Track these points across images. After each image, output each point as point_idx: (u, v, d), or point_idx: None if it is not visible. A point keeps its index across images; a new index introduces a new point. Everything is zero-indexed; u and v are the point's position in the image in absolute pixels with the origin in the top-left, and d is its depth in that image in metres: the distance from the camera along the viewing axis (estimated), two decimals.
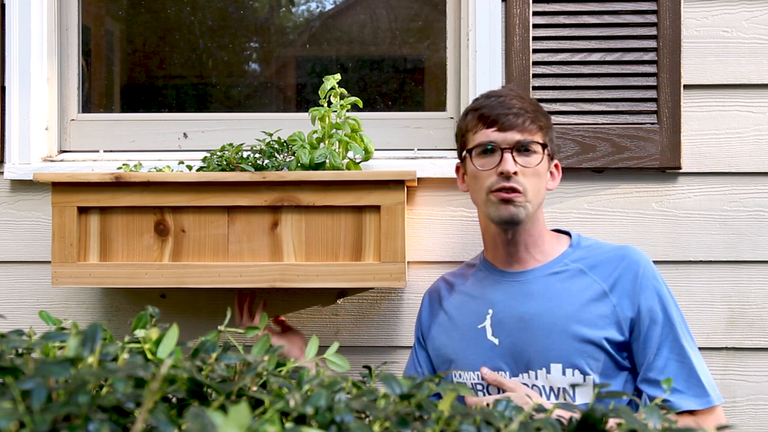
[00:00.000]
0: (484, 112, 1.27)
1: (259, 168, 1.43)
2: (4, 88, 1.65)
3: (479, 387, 1.28)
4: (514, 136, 1.25)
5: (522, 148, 1.25)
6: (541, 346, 1.23)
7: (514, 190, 1.24)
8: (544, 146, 1.28)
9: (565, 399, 1.21)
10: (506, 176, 1.24)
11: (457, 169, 1.40)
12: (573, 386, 1.21)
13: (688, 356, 1.21)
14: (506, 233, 1.30)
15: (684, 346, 1.22)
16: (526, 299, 1.28)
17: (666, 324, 1.22)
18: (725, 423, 1.14)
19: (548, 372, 1.22)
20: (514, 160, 1.24)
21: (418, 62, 2.29)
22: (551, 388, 1.22)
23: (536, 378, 1.23)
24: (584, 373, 1.21)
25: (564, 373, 1.22)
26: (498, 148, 1.26)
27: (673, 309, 1.25)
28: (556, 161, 1.36)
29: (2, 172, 1.64)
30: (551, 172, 1.34)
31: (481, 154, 1.28)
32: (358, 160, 1.50)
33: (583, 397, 1.21)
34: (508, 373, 1.25)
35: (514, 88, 1.38)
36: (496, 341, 1.28)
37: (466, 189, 1.36)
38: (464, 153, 1.32)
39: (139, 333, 0.73)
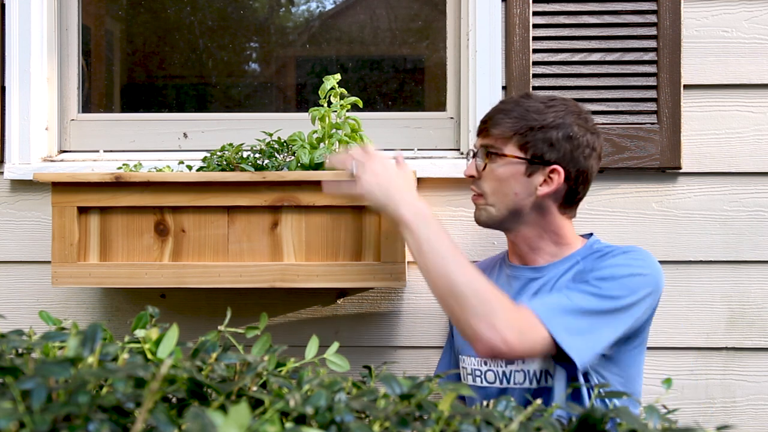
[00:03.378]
0: (481, 118, 1.35)
1: (259, 168, 1.43)
2: (4, 88, 1.65)
3: (477, 373, 1.33)
4: (479, 141, 1.33)
5: (487, 153, 1.29)
6: None
7: (475, 192, 1.32)
8: (496, 153, 1.27)
9: (546, 381, 1.25)
10: (472, 179, 1.32)
11: None
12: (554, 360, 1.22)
13: (572, 307, 1.17)
14: (507, 233, 1.35)
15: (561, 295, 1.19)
16: (528, 293, 1.30)
17: (582, 285, 1.20)
18: (538, 333, 1.12)
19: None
20: (478, 164, 1.31)
21: (418, 62, 2.29)
22: (534, 372, 1.26)
23: (523, 363, 1.27)
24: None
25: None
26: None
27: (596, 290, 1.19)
28: (554, 166, 1.26)
29: (2, 172, 1.64)
30: (548, 178, 1.26)
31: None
32: None
33: (559, 381, 1.24)
34: (503, 360, 1.29)
35: (527, 94, 1.36)
36: None
37: None
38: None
39: (139, 333, 0.74)
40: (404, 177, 1.26)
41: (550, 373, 1.25)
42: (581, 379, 1.22)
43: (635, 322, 1.21)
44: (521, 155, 1.26)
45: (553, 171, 1.26)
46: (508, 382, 1.28)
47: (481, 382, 1.32)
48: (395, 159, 1.30)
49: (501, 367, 1.30)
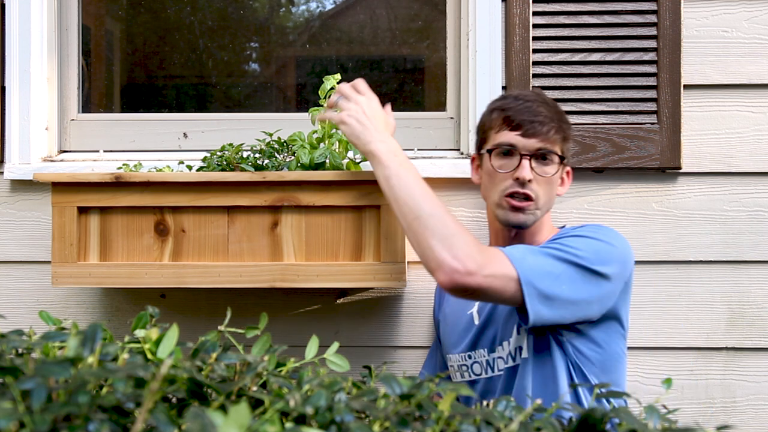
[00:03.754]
0: (510, 115, 1.29)
1: (259, 168, 1.43)
2: (4, 88, 1.65)
3: (464, 368, 1.36)
4: (535, 144, 1.28)
5: (541, 157, 1.29)
6: (504, 320, 1.30)
7: (527, 197, 1.28)
8: (561, 157, 1.31)
9: (519, 356, 1.27)
10: (522, 182, 1.27)
11: (473, 159, 1.43)
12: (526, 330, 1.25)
13: (536, 250, 1.20)
14: (509, 231, 1.35)
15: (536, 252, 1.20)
16: None
17: (549, 243, 1.23)
18: (502, 265, 1.15)
19: (509, 340, 1.29)
20: (531, 167, 1.27)
21: (418, 62, 2.29)
22: (509, 352, 1.29)
23: (503, 349, 1.30)
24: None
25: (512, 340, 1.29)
26: (518, 153, 1.28)
27: (567, 248, 1.20)
28: (568, 168, 1.39)
29: (2, 172, 1.64)
30: (562, 178, 1.37)
31: (500, 155, 1.31)
32: (358, 160, 1.49)
33: (530, 348, 1.27)
34: (486, 349, 1.32)
35: (541, 93, 1.41)
36: (477, 323, 1.36)
37: (479, 182, 1.40)
38: (484, 150, 1.35)
39: (139, 333, 0.74)
40: (384, 118, 1.30)
41: (522, 349, 1.27)
42: (554, 346, 1.24)
43: (604, 293, 1.21)
44: (564, 160, 1.32)
45: (567, 172, 1.39)
46: (492, 371, 1.31)
47: (469, 375, 1.36)
48: (385, 109, 1.34)
49: (484, 356, 1.33)
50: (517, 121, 1.28)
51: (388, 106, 1.35)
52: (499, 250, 1.18)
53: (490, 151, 1.32)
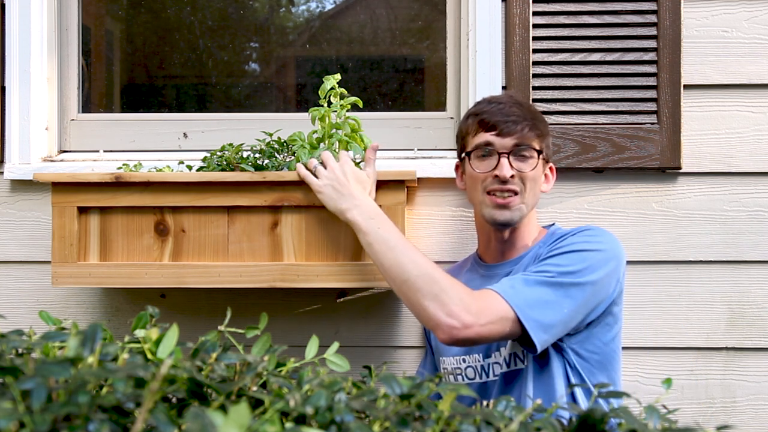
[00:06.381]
0: (485, 117, 1.33)
1: (259, 168, 1.43)
2: (4, 88, 1.65)
3: (458, 371, 1.36)
4: (511, 142, 1.30)
5: (518, 153, 1.31)
6: None
7: (511, 192, 1.30)
8: (539, 152, 1.33)
9: (516, 364, 1.28)
10: (502, 180, 1.29)
11: (457, 167, 1.46)
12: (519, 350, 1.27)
13: (529, 280, 1.20)
14: (500, 233, 1.36)
15: (532, 277, 1.21)
16: None
17: (540, 264, 1.24)
18: (496, 308, 1.16)
19: (505, 346, 1.30)
20: (511, 164, 1.29)
21: (418, 62, 2.29)
22: (504, 358, 1.30)
23: (500, 354, 1.30)
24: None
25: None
26: (495, 152, 1.31)
27: (561, 260, 1.22)
28: (550, 164, 1.41)
29: (2, 172, 1.64)
30: (545, 175, 1.38)
31: (479, 156, 1.33)
32: (358, 160, 1.49)
33: (531, 361, 1.27)
34: (481, 354, 1.33)
35: (514, 95, 1.44)
36: None
37: (464, 188, 1.42)
38: (464, 154, 1.37)
39: (139, 333, 0.74)
40: (357, 177, 1.30)
41: (519, 357, 1.28)
42: (553, 353, 1.25)
43: (600, 298, 1.24)
44: (542, 154, 1.33)
45: (551, 169, 1.41)
46: (487, 376, 1.32)
47: (463, 379, 1.36)
48: (366, 157, 1.35)
49: (479, 362, 1.33)
50: (492, 122, 1.31)
51: (372, 154, 1.35)
52: (491, 291, 1.19)
53: (469, 154, 1.34)
